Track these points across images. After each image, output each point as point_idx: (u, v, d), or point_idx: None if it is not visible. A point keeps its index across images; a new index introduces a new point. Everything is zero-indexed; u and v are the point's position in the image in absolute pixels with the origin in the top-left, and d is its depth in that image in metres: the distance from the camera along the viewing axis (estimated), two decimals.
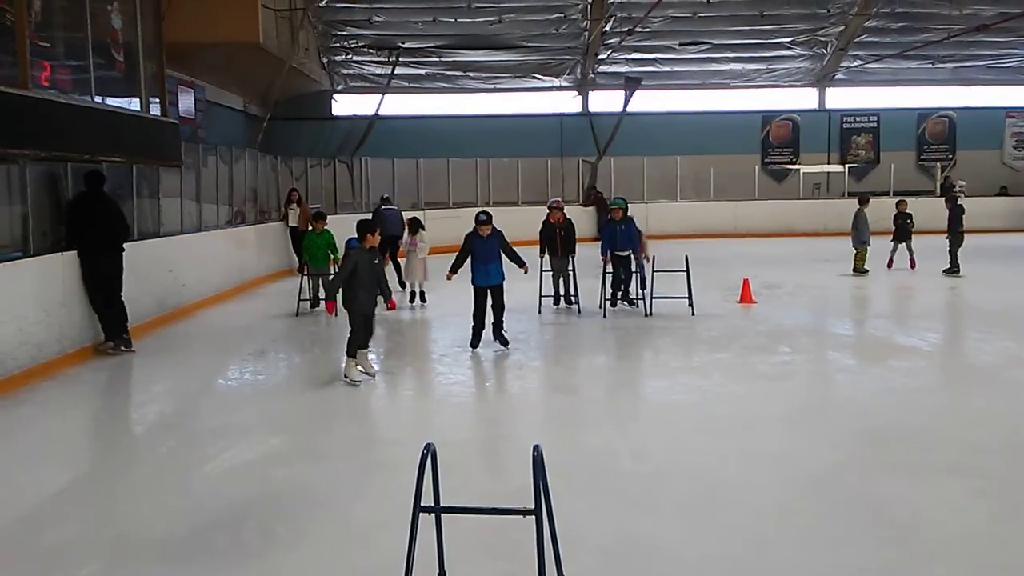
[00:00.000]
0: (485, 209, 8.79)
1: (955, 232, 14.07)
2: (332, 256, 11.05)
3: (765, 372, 7.74)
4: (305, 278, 11.36)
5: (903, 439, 5.57)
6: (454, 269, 8.72)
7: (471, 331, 8.71)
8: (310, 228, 11.64)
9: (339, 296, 7.32)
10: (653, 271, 10.71)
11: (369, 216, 13.79)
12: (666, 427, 6.24)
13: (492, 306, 8.67)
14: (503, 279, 8.66)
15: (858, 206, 14.46)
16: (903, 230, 14.61)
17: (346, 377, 7.25)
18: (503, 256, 8.71)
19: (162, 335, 9.75)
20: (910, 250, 14.48)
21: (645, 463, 5.21)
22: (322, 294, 11.28)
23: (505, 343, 8.67)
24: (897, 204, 14.97)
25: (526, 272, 8.86)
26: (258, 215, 15.81)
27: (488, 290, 8.61)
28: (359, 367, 7.34)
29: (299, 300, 11.14)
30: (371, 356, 7.74)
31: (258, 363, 8.76)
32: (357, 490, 4.89)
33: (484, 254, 8.53)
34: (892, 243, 14.69)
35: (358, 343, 7.27)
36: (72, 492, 5.03)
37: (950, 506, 4.45)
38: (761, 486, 4.76)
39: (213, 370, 8.39)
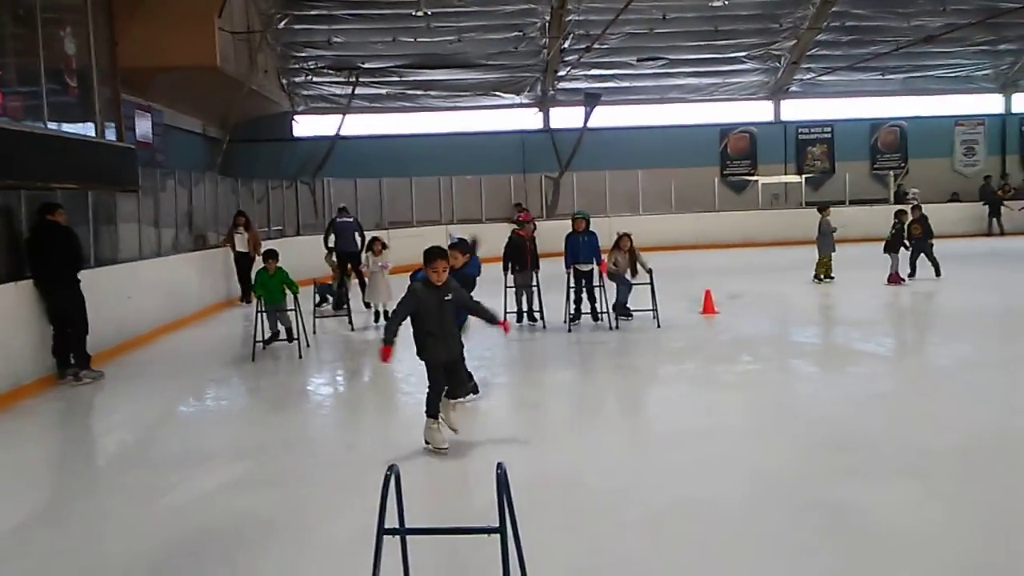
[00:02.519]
0: (455, 239, 7.16)
1: (928, 241, 14.17)
2: (291, 291, 9.85)
3: (728, 381, 7.83)
4: (261, 315, 9.84)
5: (862, 444, 5.66)
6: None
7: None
8: (262, 266, 10.21)
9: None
10: (617, 286, 10.81)
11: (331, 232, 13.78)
12: (631, 440, 6.29)
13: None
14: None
15: (820, 215, 14.62)
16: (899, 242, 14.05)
17: (427, 443, 5.76)
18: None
19: (121, 362, 9.59)
20: (895, 263, 14.01)
21: (611, 477, 5.23)
22: (280, 330, 10.10)
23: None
24: (912, 214, 14.28)
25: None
26: (200, 240, 14.87)
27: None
28: (445, 425, 5.86)
29: (254, 342, 9.64)
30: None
31: (220, 389, 8.65)
32: (321, 514, 4.85)
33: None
34: (888, 255, 14.05)
35: (441, 395, 5.79)
36: (30, 525, 4.92)
37: (909, 509, 4.53)
38: (725, 495, 4.81)
39: (174, 397, 8.26)
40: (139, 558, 4.29)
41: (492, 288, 11.26)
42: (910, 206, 15.64)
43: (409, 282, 5.89)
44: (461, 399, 6.04)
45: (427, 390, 5.81)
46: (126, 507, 5.15)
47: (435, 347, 5.71)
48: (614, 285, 10.88)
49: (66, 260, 8.47)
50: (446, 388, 5.81)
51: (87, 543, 4.60)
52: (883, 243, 14.30)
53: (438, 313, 5.65)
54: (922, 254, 14.22)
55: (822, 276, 14.47)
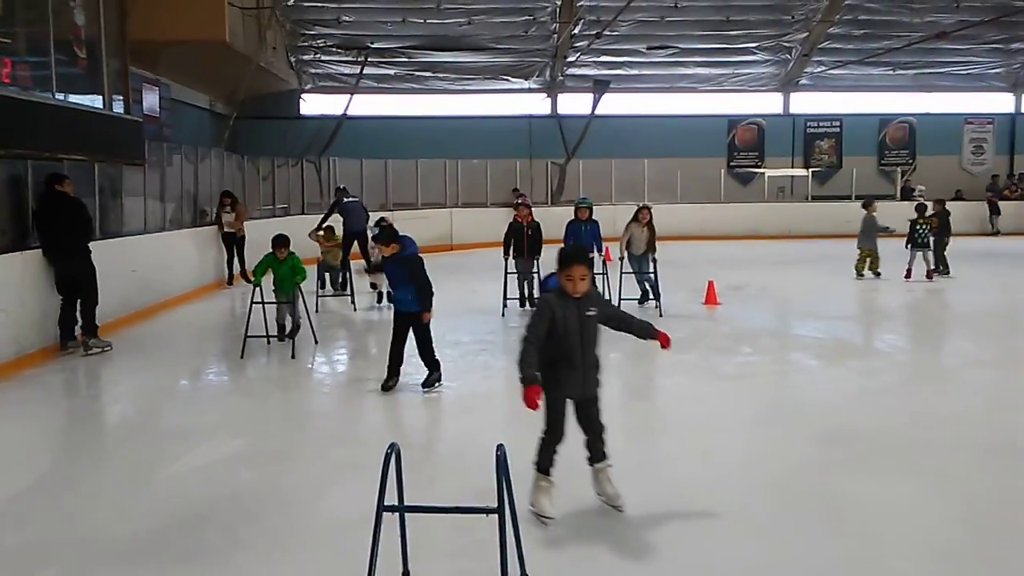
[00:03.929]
0: (375, 230, 7.59)
1: (945, 237, 14.26)
2: (297, 278, 8.96)
3: (728, 373, 7.85)
4: (256, 306, 8.69)
5: (861, 439, 5.69)
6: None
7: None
8: (270, 252, 9.10)
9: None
10: (621, 272, 10.83)
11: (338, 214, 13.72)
12: (629, 427, 6.30)
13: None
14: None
15: (864, 211, 14.37)
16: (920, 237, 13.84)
17: (532, 506, 4.31)
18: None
19: (125, 335, 9.63)
20: (925, 260, 13.87)
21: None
22: (287, 324, 9.23)
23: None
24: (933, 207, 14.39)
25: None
26: (203, 216, 14.65)
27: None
28: (600, 492, 4.48)
29: (245, 337, 8.61)
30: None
31: (221, 364, 8.69)
32: (321, 491, 4.89)
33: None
34: (910, 251, 13.94)
35: (559, 444, 4.39)
36: (31, 494, 4.96)
37: (906, 503, 4.55)
38: (722, 486, 4.84)
39: (177, 371, 8.30)
40: (139, 529, 4.33)
41: (493, 274, 11.32)
42: (933, 200, 15.45)
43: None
44: (607, 460, 4.48)
45: (541, 434, 4.39)
46: (126, 478, 5.19)
47: (567, 377, 4.31)
48: (616, 275, 10.84)
49: (74, 231, 8.50)
50: (585, 443, 4.45)
51: (87, 513, 4.63)
52: (906, 239, 13.93)
53: (578, 333, 4.29)
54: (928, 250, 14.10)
55: (863, 272, 14.15)
